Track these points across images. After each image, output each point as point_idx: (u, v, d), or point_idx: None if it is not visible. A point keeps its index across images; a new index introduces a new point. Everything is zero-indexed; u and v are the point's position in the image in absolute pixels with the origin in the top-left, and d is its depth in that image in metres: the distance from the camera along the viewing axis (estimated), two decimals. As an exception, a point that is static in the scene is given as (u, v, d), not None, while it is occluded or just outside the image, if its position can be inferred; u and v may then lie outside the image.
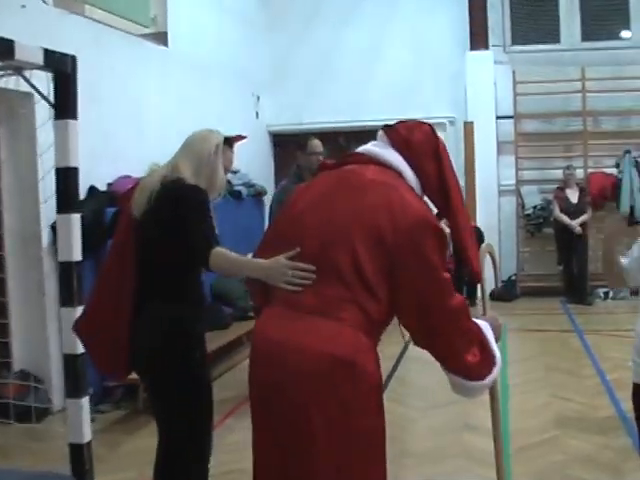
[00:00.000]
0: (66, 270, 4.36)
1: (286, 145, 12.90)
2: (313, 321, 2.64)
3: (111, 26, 7.98)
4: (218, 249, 3.42)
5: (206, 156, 3.72)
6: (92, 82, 7.44)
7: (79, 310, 4.24)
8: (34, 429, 6.03)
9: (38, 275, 6.52)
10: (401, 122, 3.00)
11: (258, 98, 12.45)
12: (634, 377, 3.82)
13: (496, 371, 2.86)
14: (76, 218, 4.36)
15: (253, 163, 11.61)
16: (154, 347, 3.63)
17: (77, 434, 4.44)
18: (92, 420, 6.40)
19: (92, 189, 7.15)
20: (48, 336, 6.55)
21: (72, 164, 4.36)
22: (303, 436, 2.60)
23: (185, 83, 9.47)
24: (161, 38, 9.09)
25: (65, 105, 4.34)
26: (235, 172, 10.59)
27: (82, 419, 4.44)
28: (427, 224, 2.69)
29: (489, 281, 11.43)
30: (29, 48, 4.01)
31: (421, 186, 2.91)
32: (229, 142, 3.93)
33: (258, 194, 11.27)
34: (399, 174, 2.86)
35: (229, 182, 10.20)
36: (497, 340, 2.91)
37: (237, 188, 10.37)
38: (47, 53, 4.12)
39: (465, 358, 2.76)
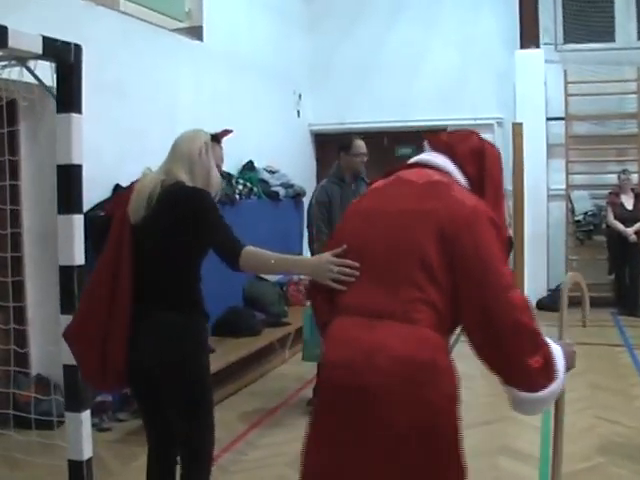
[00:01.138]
0: (67, 275, 4.11)
1: (328, 145, 12.60)
2: (390, 325, 2.61)
3: (143, 20, 7.71)
4: (249, 248, 3.45)
5: (197, 156, 3.65)
6: (123, 78, 7.24)
7: None
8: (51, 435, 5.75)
9: (56, 277, 6.23)
10: (450, 134, 3.09)
11: (300, 96, 12.14)
12: None
13: (557, 386, 2.64)
14: (78, 219, 4.09)
15: (294, 163, 11.33)
16: (172, 358, 3.53)
17: (76, 450, 4.18)
18: (110, 429, 6.25)
19: (117, 187, 6.85)
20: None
21: (75, 161, 4.09)
22: (390, 438, 2.55)
23: (221, 80, 9.18)
24: (196, 32, 8.79)
25: (68, 98, 4.07)
26: (273, 172, 10.31)
27: (82, 434, 4.15)
28: (482, 212, 2.69)
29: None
30: (26, 36, 3.73)
31: (469, 185, 2.92)
32: (216, 139, 3.81)
33: (297, 195, 10.95)
34: (449, 175, 2.90)
35: (266, 182, 9.92)
36: (569, 369, 2.76)
37: (274, 189, 10.05)
38: (46, 41, 3.82)
39: (526, 360, 2.58)
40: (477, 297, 2.59)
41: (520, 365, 2.58)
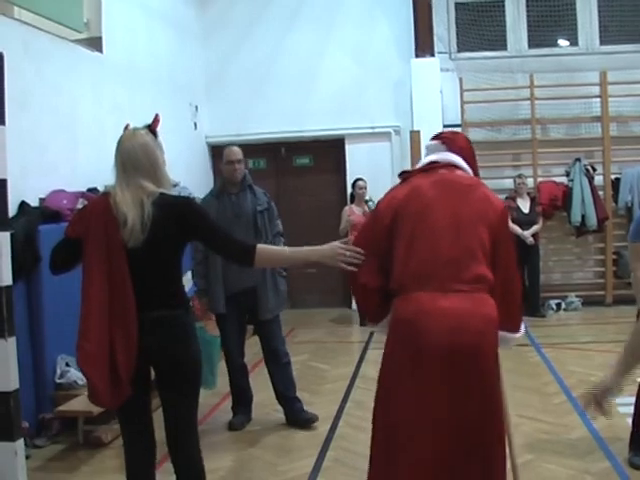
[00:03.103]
0: (-5, 296, 3.85)
1: (226, 157, 12.50)
2: (470, 296, 3.45)
3: (42, 30, 7.47)
4: (260, 245, 3.81)
5: (160, 162, 3.74)
6: (22, 89, 6.97)
7: (11, 342, 3.78)
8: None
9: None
10: (444, 132, 4.10)
11: (197, 108, 11.99)
12: None
13: (524, 327, 3.92)
14: (5, 237, 3.87)
15: (192, 176, 11.17)
16: (185, 355, 3.76)
17: (9, 481, 3.91)
18: (28, 457, 5.95)
19: (23, 205, 6.61)
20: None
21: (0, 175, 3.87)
22: (481, 381, 3.42)
23: (121, 92, 8.98)
24: (96, 44, 8.57)
25: (-9, 110, 3.85)
26: (174, 185, 10.12)
27: (17, 464, 3.93)
28: (506, 211, 3.72)
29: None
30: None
31: None
32: (154, 132, 3.83)
33: (198, 208, 10.80)
34: (476, 178, 3.81)
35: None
36: None
37: (177, 202, 9.86)
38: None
39: (518, 312, 3.79)
40: (504, 270, 3.59)
41: (516, 315, 3.75)
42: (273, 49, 12.36)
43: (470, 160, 3.80)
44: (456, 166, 3.75)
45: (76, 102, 7.93)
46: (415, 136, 11.53)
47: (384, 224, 3.66)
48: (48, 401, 6.36)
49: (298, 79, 12.30)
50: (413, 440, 3.44)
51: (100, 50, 8.62)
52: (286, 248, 3.86)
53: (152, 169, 3.67)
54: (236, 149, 6.46)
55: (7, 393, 3.84)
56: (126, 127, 3.86)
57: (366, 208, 10.41)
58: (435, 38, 11.86)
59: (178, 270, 3.82)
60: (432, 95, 11.64)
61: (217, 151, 12.56)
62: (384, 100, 12.18)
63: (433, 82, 11.69)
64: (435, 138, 3.95)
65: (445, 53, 12.00)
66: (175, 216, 3.63)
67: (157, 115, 3.88)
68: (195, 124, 12.04)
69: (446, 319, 3.37)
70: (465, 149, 3.82)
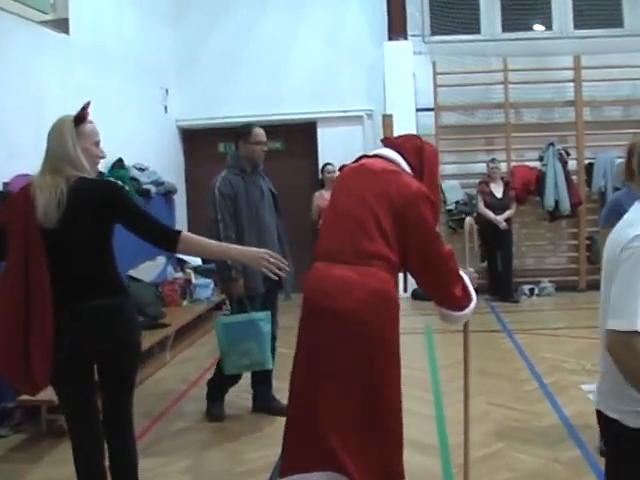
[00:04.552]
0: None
1: (196, 140, 12.34)
2: (355, 268, 3.76)
3: (6, 10, 7.28)
4: (185, 233, 3.82)
5: (71, 150, 3.72)
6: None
7: None
8: None
9: None
10: (398, 136, 4.38)
11: (167, 91, 11.81)
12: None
13: (472, 306, 4.02)
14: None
15: (162, 160, 11.03)
16: (122, 345, 3.82)
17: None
18: (-11, 446, 5.85)
19: (-9, 189, 6.47)
20: None
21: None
22: (357, 345, 3.70)
23: (88, 74, 8.77)
24: (62, 25, 8.38)
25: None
26: (143, 170, 9.99)
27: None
28: (422, 193, 3.84)
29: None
30: None
31: (412, 172, 4.02)
32: (79, 120, 3.80)
33: (168, 192, 10.69)
34: (398, 166, 4.00)
35: (137, 180, 9.61)
36: (474, 287, 4.05)
37: (146, 187, 9.74)
38: None
39: (453, 291, 3.89)
40: (420, 252, 3.83)
41: (450, 294, 3.90)
42: (245, 32, 12.18)
43: (407, 155, 4.04)
44: (383, 157, 4.07)
45: (42, 84, 7.74)
46: (387, 120, 11.45)
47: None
48: (10, 390, 6.21)
49: (270, 62, 12.15)
50: (298, 391, 3.88)
51: (67, 32, 8.43)
52: (213, 242, 3.95)
53: (66, 156, 3.71)
54: (263, 131, 6.34)
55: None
56: (84, 107, 3.86)
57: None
58: (408, 21, 11.75)
59: (107, 256, 3.82)
60: (405, 79, 11.59)
61: (188, 134, 12.42)
62: (356, 84, 12.07)
63: (406, 66, 11.63)
64: (384, 139, 4.41)
65: (418, 36, 11.89)
66: (93, 199, 3.68)
67: (87, 103, 3.86)
68: (165, 107, 11.85)
69: (327, 285, 3.77)
70: (401, 146, 4.09)
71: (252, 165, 6.26)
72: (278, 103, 12.02)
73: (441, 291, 3.92)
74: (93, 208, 3.67)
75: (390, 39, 11.67)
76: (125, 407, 3.97)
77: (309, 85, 12.02)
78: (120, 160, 9.40)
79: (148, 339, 7.85)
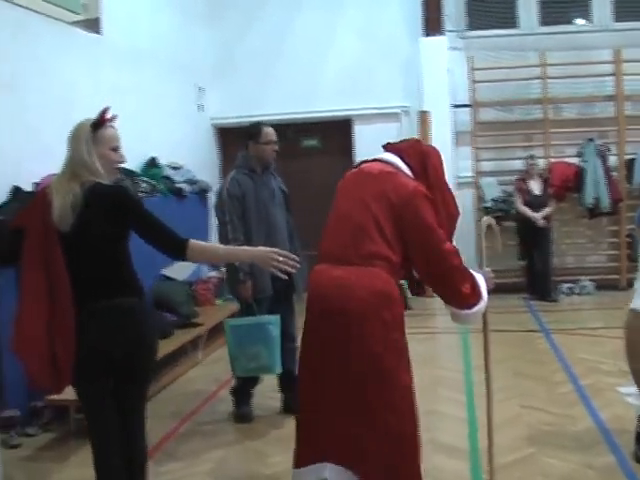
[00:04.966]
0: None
1: (232, 139, 12.28)
2: (358, 269, 3.81)
3: (36, 11, 7.28)
4: (192, 241, 3.77)
5: (86, 155, 3.73)
6: (14, 72, 6.81)
7: None
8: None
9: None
10: (400, 141, 4.31)
11: (202, 90, 11.78)
12: None
13: (482, 305, 3.99)
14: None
15: (197, 159, 11.02)
16: (137, 345, 3.81)
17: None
18: (18, 445, 5.84)
19: (17, 190, 6.43)
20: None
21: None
22: (361, 345, 3.74)
23: (121, 74, 8.77)
24: (93, 25, 8.38)
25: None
26: (177, 168, 9.97)
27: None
28: (418, 192, 3.89)
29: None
30: None
31: (413, 175, 4.05)
32: (99, 124, 3.80)
33: (202, 191, 10.66)
34: (397, 168, 4.04)
35: (170, 179, 9.59)
36: (489, 288, 4.06)
37: (179, 185, 9.70)
38: None
39: (460, 288, 3.89)
40: (421, 250, 3.87)
41: (456, 292, 3.91)
42: (281, 29, 12.12)
43: (409, 159, 4.07)
44: (382, 161, 4.11)
45: (72, 85, 7.73)
46: (424, 116, 11.35)
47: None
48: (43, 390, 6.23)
49: (306, 60, 12.06)
50: (310, 389, 3.96)
51: (98, 32, 8.43)
52: (221, 246, 3.99)
53: (81, 161, 3.72)
54: (273, 130, 6.29)
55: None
56: (103, 112, 3.84)
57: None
58: (444, 16, 11.60)
59: (122, 258, 3.84)
60: (441, 75, 11.45)
61: (224, 133, 12.39)
62: (392, 80, 11.91)
63: (442, 61, 11.49)
64: (386, 145, 4.33)
65: (454, 31, 11.72)
66: (105, 204, 3.69)
67: (105, 108, 3.85)
68: (201, 106, 11.83)
69: (330, 286, 3.84)
70: (402, 150, 4.13)
71: (263, 165, 6.20)
72: (314, 100, 11.94)
73: (446, 289, 3.94)
74: (105, 212, 3.70)
75: (426, 34, 11.54)
76: (136, 408, 3.99)
77: (345, 82, 11.90)
78: (153, 159, 9.40)
79: (180, 338, 7.85)
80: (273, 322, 5.85)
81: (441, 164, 4.21)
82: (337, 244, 3.97)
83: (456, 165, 11.58)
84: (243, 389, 6.28)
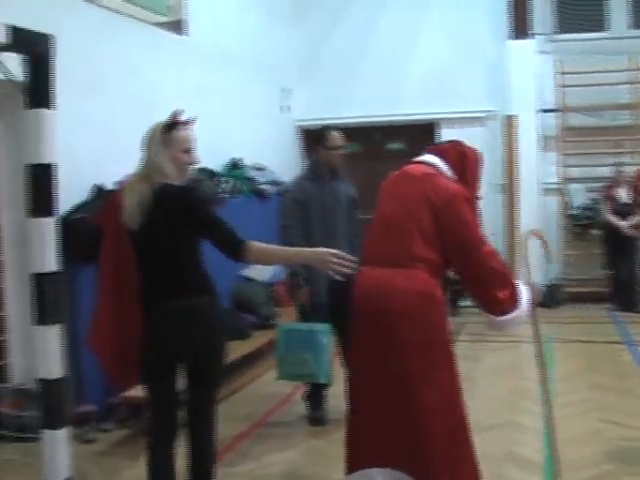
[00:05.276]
0: (38, 283, 3.74)
1: (317, 141, 12.31)
2: (401, 271, 3.86)
3: (123, 13, 7.41)
4: (251, 242, 3.76)
5: (158, 157, 3.84)
6: (102, 74, 6.94)
7: (54, 329, 3.69)
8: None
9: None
10: (442, 142, 4.51)
11: (287, 91, 11.82)
12: None
13: (518, 314, 3.96)
14: (50, 223, 3.75)
15: (280, 160, 11.03)
16: (205, 345, 3.90)
17: (52, 470, 3.78)
18: (94, 440, 5.95)
19: (98, 189, 6.55)
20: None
21: (46, 160, 3.73)
22: (405, 346, 3.80)
23: (205, 75, 8.88)
24: (179, 26, 8.50)
25: (38, 92, 3.71)
26: (260, 169, 10.02)
27: (59, 453, 3.80)
28: (459, 193, 3.95)
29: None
30: (-10, 25, 3.39)
31: (454, 176, 4.12)
32: (171, 127, 3.91)
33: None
34: (438, 169, 4.10)
35: (253, 180, 9.64)
36: (532, 300, 4.10)
37: (262, 186, 9.75)
38: (14, 31, 3.49)
39: (496, 293, 3.90)
40: (460, 252, 3.90)
41: (491, 296, 3.91)
42: (366, 31, 12.08)
43: (451, 161, 4.14)
44: (424, 163, 4.18)
45: (156, 86, 7.84)
46: (510, 121, 11.20)
47: None
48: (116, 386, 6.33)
49: (391, 61, 12.00)
50: (358, 392, 4.06)
51: (183, 33, 8.53)
52: (279, 248, 3.95)
53: (151, 162, 3.84)
54: (340, 134, 6.20)
55: (49, 381, 3.74)
56: (175, 115, 3.94)
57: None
58: (532, 19, 11.40)
59: (190, 258, 3.89)
60: (527, 78, 11.26)
61: (308, 135, 12.40)
62: (478, 83, 11.78)
63: (529, 65, 11.29)
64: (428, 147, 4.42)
65: (542, 35, 11.51)
66: (172, 204, 3.77)
67: (177, 110, 3.94)
68: (285, 107, 11.88)
69: (374, 288, 3.90)
70: (444, 151, 4.20)
71: (330, 170, 6.15)
72: (399, 103, 11.89)
73: (482, 291, 3.96)
74: (172, 212, 3.77)
75: (513, 37, 11.35)
76: (204, 409, 4.05)
77: (430, 84, 11.80)
78: (237, 160, 9.47)
79: (257, 340, 7.89)
80: (324, 330, 5.83)
81: (477, 166, 4.26)
82: (380, 246, 4.03)
83: (542, 171, 11.40)
84: (316, 393, 6.28)
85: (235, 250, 3.75)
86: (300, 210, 6.01)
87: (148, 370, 3.95)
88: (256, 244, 3.77)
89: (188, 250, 3.87)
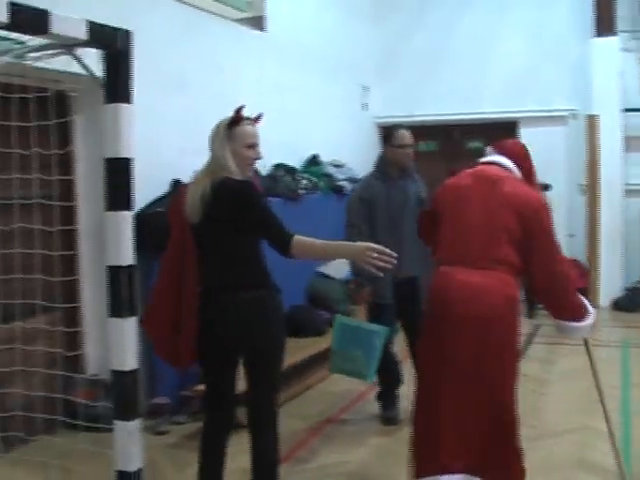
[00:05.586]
0: (114, 275, 3.81)
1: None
2: (487, 273, 3.94)
3: (204, 10, 7.49)
4: (297, 237, 3.75)
5: (221, 152, 3.92)
6: (183, 69, 7.04)
7: (129, 321, 3.76)
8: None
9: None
10: (501, 141, 4.45)
11: (366, 88, 11.80)
12: None
13: (591, 321, 4.17)
14: (127, 216, 3.81)
15: (359, 157, 10.98)
16: (261, 338, 3.91)
17: (125, 461, 3.86)
18: (166, 432, 6.03)
19: (175, 183, 6.63)
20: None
21: (123, 154, 3.78)
22: (492, 351, 3.90)
23: (284, 71, 8.92)
24: (258, 23, 8.55)
25: (116, 86, 3.76)
26: (338, 166, 10.02)
27: (131, 444, 3.86)
28: (542, 203, 4.07)
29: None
30: (70, 20, 3.43)
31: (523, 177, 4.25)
32: (235, 123, 3.98)
33: (363, 189, 10.66)
34: (510, 171, 4.21)
35: (331, 176, 9.64)
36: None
37: (340, 183, 9.74)
38: (93, 27, 3.54)
39: (573, 298, 4.09)
40: (542, 259, 3.99)
41: (568, 301, 4.07)
42: (445, 29, 11.99)
43: (519, 161, 4.26)
44: (497, 164, 4.25)
45: (236, 82, 7.91)
46: (592, 121, 10.97)
47: (431, 208, 4.42)
48: (190, 378, 6.37)
49: (470, 60, 11.87)
50: (433, 393, 4.04)
51: (263, 29, 8.58)
52: (320, 242, 3.82)
53: (215, 157, 3.93)
54: (409, 132, 6.14)
55: (122, 372, 3.80)
56: (238, 110, 4.02)
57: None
58: (617, 16, 11.10)
59: (248, 252, 3.93)
60: (612, 77, 10.95)
61: (387, 133, 12.34)
62: (560, 82, 11.53)
63: (613, 63, 10.99)
64: (494, 145, 4.45)
65: (626, 32, 11.20)
66: (230, 198, 3.82)
67: (240, 106, 4.00)
68: (365, 104, 11.87)
69: (463, 291, 3.93)
70: (512, 151, 4.30)
71: (398, 169, 6.08)
72: (478, 101, 11.77)
73: (559, 298, 4.08)
74: (230, 206, 3.82)
75: (597, 35, 11.07)
76: (262, 402, 4.03)
77: (510, 83, 11.63)
78: (315, 156, 9.50)
79: (331, 338, 7.87)
80: (379, 333, 5.73)
81: (533, 165, 4.36)
82: (463, 247, 4.06)
83: (625, 172, 11.13)
84: (389, 392, 6.26)
85: (283, 245, 3.76)
86: (365, 209, 5.98)
87: (205, 364, 4.04)
88: (301, 239, 3.76)
89: (246, 244, 3.91)
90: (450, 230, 4.15)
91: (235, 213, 3.81)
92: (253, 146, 3.98)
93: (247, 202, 3.82)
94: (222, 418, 4.10)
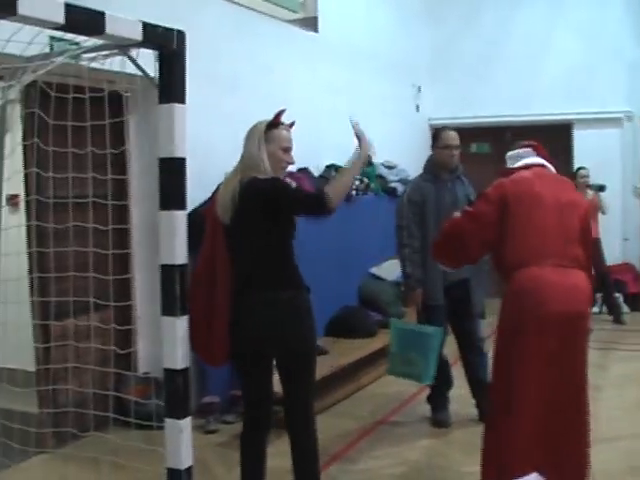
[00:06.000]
0: (167, 274, 3.85)
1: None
2: (572, 271, 4.09)
3: (256, 10, 7.52)
4: (326, 188, 3.81)
5: (256, 152, 3.96)
6: (235, 70, 7.07)
7: (182, 320, 3.85)
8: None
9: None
10: (531, 142, 4.61)
11: (419, 89, 11.75)
12: None
13: None
14: (180, 216, 3.85)
15: (412, 158, 10.91)
16: (292, 338, 3.93)
17: (175, 458, 3.90)
18: (216, 431, 6.06)
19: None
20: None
21: (177, 154, 3.84)
22: (584, 347, 4.13)
23: (336, 72, 8.91)
24: (310, 23, 8.57)
25: (170, 87, 3.81)
26: (391, 168, 9.99)
27: (181, 442, 3.89)
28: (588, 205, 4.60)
29: None
30: (125, 22, 3.48)
31: None
32: (273, 125, 4.04)
33: (415, 191, 10.62)
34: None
35: (384, 178, 9.63)
36: None
37: (392, 185, 9.71)
38: (147, 27, 3.58)
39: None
40: (588, 260, 4.27)
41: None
42: (499, 30, 11.87)
43: (551, 164, 4.50)
44: (544, 166, 4.45)
45: (288, 82, 7.92)
46: (648, 122, 10.80)
47: (492, 207, 4.26)
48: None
49: (524, 60, 11.73)
50: (530, 393, 4.02)
51: (315, 30, 8.58)
52: (337, 176, 4.04)
53: (250, 157, 3.98)
54: (455, 133, 6.12)
55: (174, 370, 3.85)
56: (278, 114, 4.10)
57: (588, 196, 9.81)
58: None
59: (278, 251, 3.97)
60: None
61: (435, 134, 12.27)
62: (615, 83, 11.35)
63: (672, 64, 10.82)
64: (525, 146, 4.58)
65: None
66: (260, 197, 3.84)
67: (280, 110, 4.08)
68: (417, 106, 11.81)
69: (559, 291, 4.02)
70: (545, 154, 4.51)
71: (445, 170, 6.06)
72: (531, 103, 11.65)
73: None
74: (260, 205, 3.84)
75: (655, 35, 10.92)
76: (297, 402, 4.06)
77: (564, 84, 11.46)
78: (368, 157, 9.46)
79: (382, 338, 7.83)
80: (434, 334, 5.71)
81: None
82: (549, 245, 4.13)
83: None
84: (439, 395, 6.23)
85: (321, 203, 3.76)
86: (415, 211, 5.96)
87: (238, 364, 4.07)
88: (329, 187, 3.81)
89: (277, 244, 3.95)
90: (528, 231, 4.17)
91: (266, 205, 3.82)
92: (288, 150, 4.04)
93: (275, 188, 3.85)
94: (259, 418, 4.13)
